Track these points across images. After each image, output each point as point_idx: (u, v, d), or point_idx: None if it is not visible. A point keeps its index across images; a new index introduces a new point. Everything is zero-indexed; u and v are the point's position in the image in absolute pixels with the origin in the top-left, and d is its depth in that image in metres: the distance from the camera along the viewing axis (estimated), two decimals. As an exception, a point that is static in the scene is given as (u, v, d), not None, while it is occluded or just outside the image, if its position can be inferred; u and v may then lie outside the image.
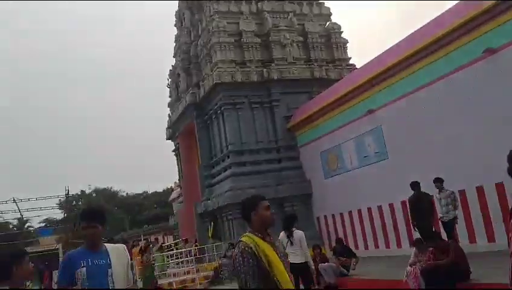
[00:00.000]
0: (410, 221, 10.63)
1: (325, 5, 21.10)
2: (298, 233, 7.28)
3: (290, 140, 18.57)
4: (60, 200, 58.96)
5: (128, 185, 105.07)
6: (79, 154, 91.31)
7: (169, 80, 24.45)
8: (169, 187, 71.55)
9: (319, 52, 20.01)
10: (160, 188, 70.54)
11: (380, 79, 13.58)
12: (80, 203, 62.16)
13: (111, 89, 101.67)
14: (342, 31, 20.66)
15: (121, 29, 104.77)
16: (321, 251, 11.24)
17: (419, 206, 10.19)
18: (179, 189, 26.13)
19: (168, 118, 25.16)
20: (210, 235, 18.58)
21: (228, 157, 18.22)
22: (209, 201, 19.01)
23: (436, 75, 11.75)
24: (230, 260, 16.10)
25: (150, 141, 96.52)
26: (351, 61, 20.48)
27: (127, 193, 69.28)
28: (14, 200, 46.44)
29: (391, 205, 13.54)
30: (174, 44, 25.13)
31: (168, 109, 26.45)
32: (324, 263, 10.78)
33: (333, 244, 16.73)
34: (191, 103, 20.10)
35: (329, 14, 21.02)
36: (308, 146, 17.94)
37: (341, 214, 16.03)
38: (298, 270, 6.79)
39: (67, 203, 54.40)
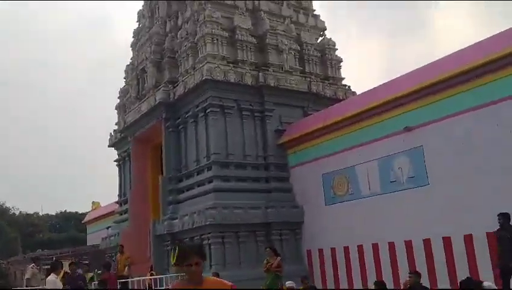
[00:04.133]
0: (498, 258, 8.66)
1: (321, 18, 19.38)
2: None
3: (280, 158, 16.03)
4: None
5: (18, 203, 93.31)
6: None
7: (128, 76, 20.86)
8: (63, 211, 64.62)
9: (314, 66, 18.03)
10: (52, 211, 63.69)
11: (425, 92, 11.73)
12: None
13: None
14: (337, 48, 18.99)
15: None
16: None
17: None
18: (117, 206, 22.02)
19: (118, 121, 21.39)
20: (173, 262, 15.00)
21: (209, 169, 15.14)
22: (174, 220, 15.58)
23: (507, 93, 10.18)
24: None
25: (45, 161, 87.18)
26: (343, 82, 18.78)
27: (20, 211, 60.77)
28: None
29: (427, 241, 11.44)
30: (133, 38, 21.82)
31: (116, 111, 22.74)
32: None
33: (328, 283, 14.36)
34: (163, 102, 16.81)
35: (324, 29, 19.31)
36: (303, 166, 15.51)
37: (346, 248, 13.63)
38: None
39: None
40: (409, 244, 11.92)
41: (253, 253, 14.45)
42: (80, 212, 63.47)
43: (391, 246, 12.35)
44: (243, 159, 15.50)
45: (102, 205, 34.25)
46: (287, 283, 10.81)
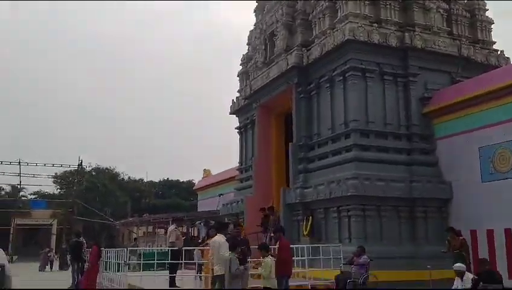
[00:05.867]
0: None
1: (469, -25, 17.25)
2: None
3: (425, 128, 14.61)
4: (55, 173, 54.38)
5: (127, 168, 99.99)
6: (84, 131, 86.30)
7: (252, 42, 20.35)
8: (165, 178, 67.61)
9: (463, 28, 16.13)
10: (156, 178, 66.90)
11: None
12: (79, 180, 57.43)
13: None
14: (487, 9, 16.84)
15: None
16: None
17: None
18: (238, 173, 21.90)
19: (241, 88, 21.15)
20: (306, 232, 14.43)
21: (347, 137, 14.15)
22: (307, 189, 14.88)
23: None
24: (361, 270, 12.12)
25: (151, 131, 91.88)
26: (494, 46, 16.64)
27: (129, 177, 64.36)
28: (19, 162, 41.96)
29: None
30: (257, 2, 21.23)
31: (238, 78, 22.48)
32: None
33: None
34: (295, 66, 16.00)
35: (473, -14, 17.18)
36: (453, 138, 13.97)
37: (507, 230, 12.01)
38: None
39: (76, 175, 49.63)
40: None
41: (396, 229, 13.38)
42: (181, 180, 66.56)
43: None
44: (384, 128, 14.30)
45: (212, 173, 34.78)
46: (455, 265, 9.59)
